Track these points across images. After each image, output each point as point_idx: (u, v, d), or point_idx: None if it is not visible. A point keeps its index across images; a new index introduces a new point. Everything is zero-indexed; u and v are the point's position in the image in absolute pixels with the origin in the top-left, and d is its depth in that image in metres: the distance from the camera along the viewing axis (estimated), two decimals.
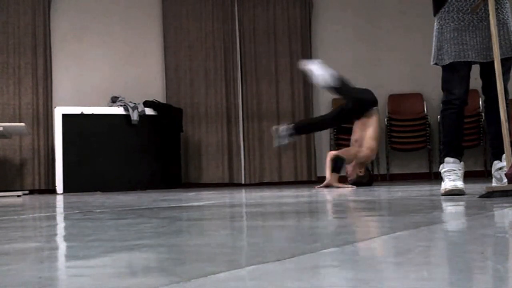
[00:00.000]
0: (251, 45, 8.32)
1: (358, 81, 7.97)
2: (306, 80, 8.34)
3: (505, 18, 3.39)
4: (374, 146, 5.73)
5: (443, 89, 3.46)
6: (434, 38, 3.47)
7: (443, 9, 3.43)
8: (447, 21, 3.39)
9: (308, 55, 8.33)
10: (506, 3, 3.43)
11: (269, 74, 8.28)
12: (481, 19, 3.35)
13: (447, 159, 3.42)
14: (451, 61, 3.36)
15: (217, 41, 8.28)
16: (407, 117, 7.83)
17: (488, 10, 3.31)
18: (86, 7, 8.18)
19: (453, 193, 3.27)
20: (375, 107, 5.84)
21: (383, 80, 8.13)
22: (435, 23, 3.49)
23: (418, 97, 7.96)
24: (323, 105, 8.26)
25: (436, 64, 3.47)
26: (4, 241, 1.72)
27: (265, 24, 8.37)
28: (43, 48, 7.90)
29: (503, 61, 3.31)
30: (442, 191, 3.31)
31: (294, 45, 8.33)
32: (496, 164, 3.41)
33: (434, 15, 3.51)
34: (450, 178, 3.35)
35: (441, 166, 3.45)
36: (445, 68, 3.41)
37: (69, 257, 1.41)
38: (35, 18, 7.92)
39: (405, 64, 8.23)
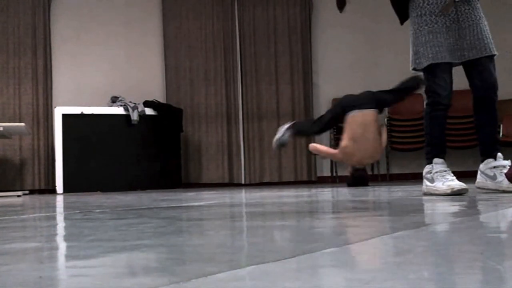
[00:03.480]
0: (251, 45, 8.33)
1: (358, 82, 7.99)
2: (306, 80, 8.35)
3: (477, 19, 3.43)
4: (347, 149, 5.73)
5: (428, 91, 3.47)
6: (410, 44, 3.51)
7: (414, 14, 3.45)
8: (421, 25, 3.43)
9: (308, 55, 8.34)
10: (477, 3, 3.47)
11: (269, 74, 8.29)
12: (453, 20, 3.40)
13: (436, 159, 3.46)
14: (429, 63, 3.39)
15: (217, 41, 8.29)
16: (407, 117, 7.83)
17: (459, 11, 3.38)
18: (86, 7, 8.18)
19: (462, 193, 3.28)
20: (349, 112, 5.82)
21: (383, 80, 8.12)
22: (411, 27, 3.52)
23: (418, 97, 7.95)
24: (323, 105, 8.26)
25: (414, 69, 3.49)
26: (4, 241, 1.72)
27: (265, 24, 8.37)
28: (43, 48, 7.90)
29: (475, 61, 3.39)
30: (448, 191, 3.30)
31: (294, 45, 8.33)
32: (491, 163, 3.44)
33: (402, 24, 3.61)
34: (449, 178, 3.35)
35: (429, 167, 3.48)
36: (425, 71, 3.44)
37: (69, 257, 1.41)
38: (35, 18, 7.92)
39: (405, 64, 8.20)
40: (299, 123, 6.49)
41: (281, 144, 6.06)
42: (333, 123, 6.19)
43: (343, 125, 5.82)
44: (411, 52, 3.50)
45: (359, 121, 5.66)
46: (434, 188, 3.40)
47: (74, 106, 7.26)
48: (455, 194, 3.28)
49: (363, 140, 5.65)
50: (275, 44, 8.33)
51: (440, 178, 3.38)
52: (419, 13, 3.43)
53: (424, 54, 3.40)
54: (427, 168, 3.51)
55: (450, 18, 3.39)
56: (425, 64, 3.40)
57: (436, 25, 3.38)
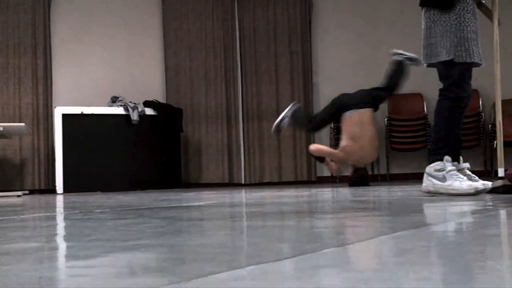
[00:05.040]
0: (251, 45, 8.32)
1: (358, 81, 7.98)
2: (306, 80, 8.35)
3: None
4: (347, 148, 5.84)
5: (455, 85, 3.34)
6: (447, 33, 3.35)
7: (461, 7, 3.36)
8: (468, 20, 3.36)
9: (308, 55, 8.33)
10: None
11: (269, 74, 8.28)
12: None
13: (447, 157, 3.33)
14: (474, 61, 3.35)
15: (217, 41, 8.28)
16: (407, 117, 7.83)
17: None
18: (86, 7, 8.18)
19: (486, 192, 3.27)
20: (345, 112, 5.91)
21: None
22: (450, 17, 3.36)
23: (418, 97, 7.96)
24: (323, 105, 8.24)
25: (451, 60, 3.33)
26: (4, 241, 1.72)
27: (265, 24, 8.36)
28: (43, 48, 7.90)
29: None
30: (472, 191, 3.22)
31: (294, 45, 8.32)
32: (439, 165, 3.50)
33: (449, 8, 3.35)
34: (464, 178, 3.31)
35: (440, 164, 3.33)
36: (462, 66, 3.34)
37: (69, 257, 1.41)
38: (35, 18, 7.92)
39: None
40: (299, 114, 6.42)
41: (279, 130, 6.27)
42: (327, 122, 6.41)
43: (339, 124, 5.98)
44: (448, 42, 3.35)
45: (356, 120, 5.80)
46: (450, 188, 3.27)
47: (74, 106, 7.26)
48: (478, 193, 3.24)
49: (361, 139, 5.79)
50: (275, 44, 8.33)
51: (455, 177, 3.27)
52: (467, 8, 3.38)
53: (469, 51, 3.34)
54: (437, 165, 3.34)
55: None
56: (468, 60, 3.33)
57: (475, 27, 3.40)
